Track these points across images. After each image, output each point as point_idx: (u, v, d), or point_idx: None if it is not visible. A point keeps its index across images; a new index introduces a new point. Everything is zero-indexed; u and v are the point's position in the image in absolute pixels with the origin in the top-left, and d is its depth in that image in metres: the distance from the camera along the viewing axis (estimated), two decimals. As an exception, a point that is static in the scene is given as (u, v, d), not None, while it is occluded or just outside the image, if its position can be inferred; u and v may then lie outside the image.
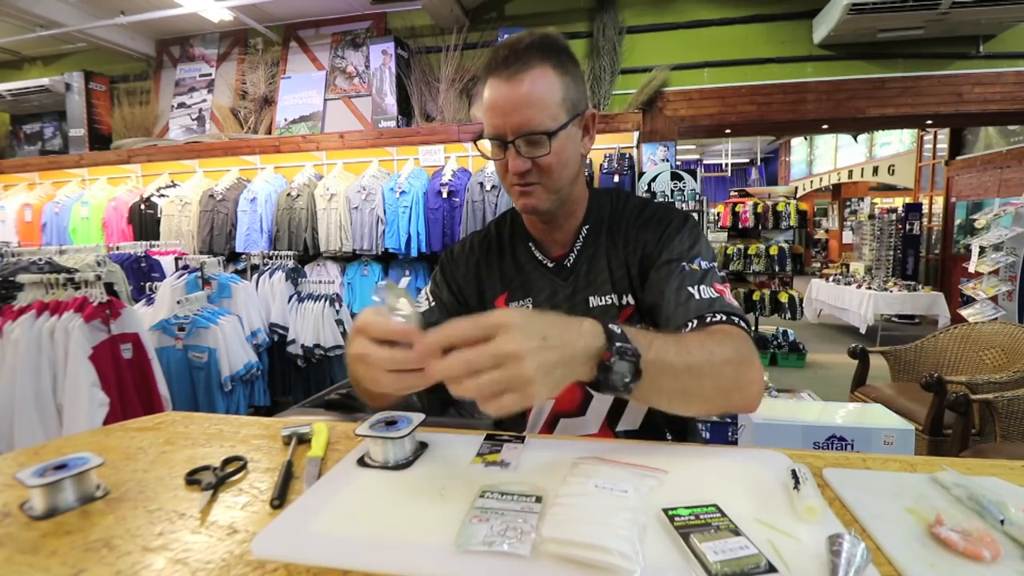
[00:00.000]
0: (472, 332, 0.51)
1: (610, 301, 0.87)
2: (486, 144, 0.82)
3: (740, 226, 5.36)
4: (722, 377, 0.65)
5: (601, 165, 3.52)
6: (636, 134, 3.55)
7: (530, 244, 0.94)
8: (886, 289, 5.48)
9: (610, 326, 0.58)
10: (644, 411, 0.88)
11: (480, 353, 0.50)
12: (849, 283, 5.96)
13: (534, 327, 0.52)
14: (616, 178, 3.43)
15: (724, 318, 0.72)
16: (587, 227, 0.90)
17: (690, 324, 0.73)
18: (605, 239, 0.89)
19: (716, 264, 0.82)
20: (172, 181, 4.14)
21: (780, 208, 5.21)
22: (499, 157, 0.81)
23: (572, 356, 0.54)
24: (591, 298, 0.88)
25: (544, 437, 0.78)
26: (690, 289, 0.76)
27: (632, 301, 0.86)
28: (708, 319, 0.72)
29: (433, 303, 0.96)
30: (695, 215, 2.84)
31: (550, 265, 0.91)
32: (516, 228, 0.97)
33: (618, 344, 0.57)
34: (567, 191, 0.85)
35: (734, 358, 0.66)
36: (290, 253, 3.27)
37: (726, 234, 5.58)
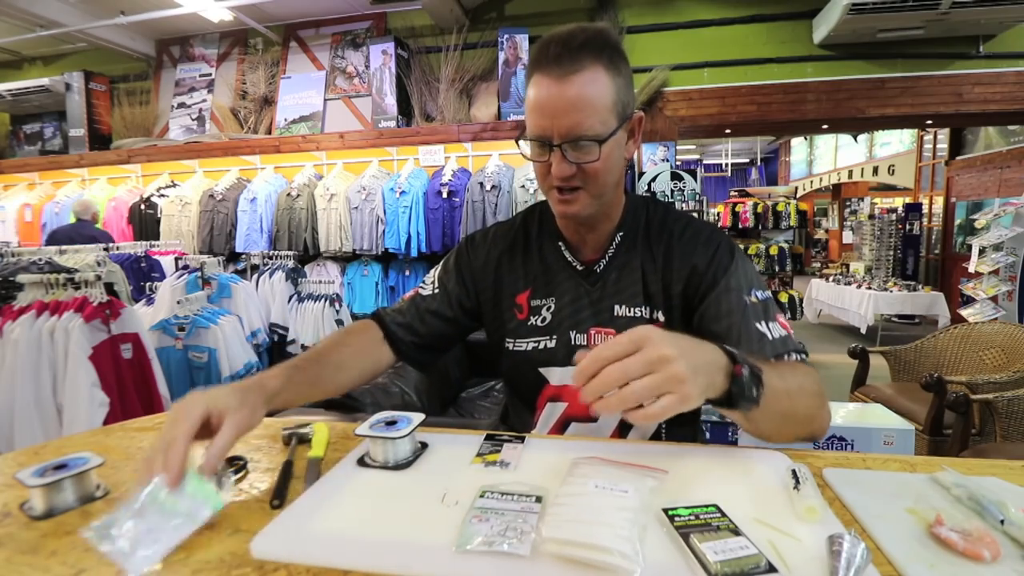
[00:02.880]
0: (621, 347, 0.52)
1: (639, 313, 0.84)
2: (526, 144, 0.78)
3: (740, 226, 5.36)
4: (808, 406, 0.69)
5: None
6: (636, 134, 3.54)
7: (560, 244, 0.90)
8: (886, 289, 5.47)
9: (724, 346, 0.59)
10: (655, 424, 0.86)
11: (634, 360, 0.51)
12: (849, 283, 5.95)
13: (671, 338, 0.54)
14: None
15: (798, 358, 0.76)
16: (621, 234, 0.87)
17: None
18: (641, 249, 0.86)
19: (764, 284, 0.83)
20: (172, 181, 4.14)
21: (780, 208, 5.21)
22: (542, 159, 0.76)
23: (709, 362, 0.56)
24: (616, 307, 0.85)
25: (544, 437, 0.78)
26: (759, 328, 0.77)
27: (662, 318, 0.84)
28: (784, 359, 0.75)
29: (438, 289, 0.94)
30: (695, 215, 2.84)
31: (579, 268, 0.88)
32: (545, 224, 0.93)
33: (739, 358, 0.58)
34: (609, 196, 0.82)
35: (815, 390, 0.71)
36: (290, 253, 3.27)
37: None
